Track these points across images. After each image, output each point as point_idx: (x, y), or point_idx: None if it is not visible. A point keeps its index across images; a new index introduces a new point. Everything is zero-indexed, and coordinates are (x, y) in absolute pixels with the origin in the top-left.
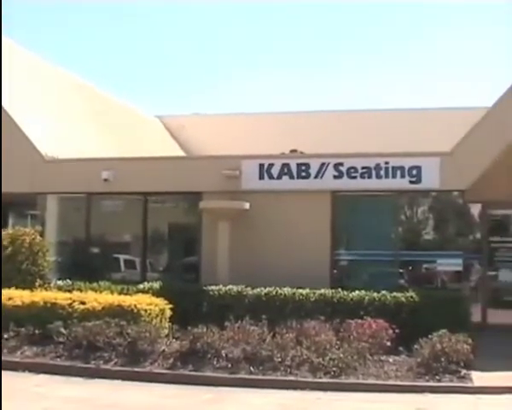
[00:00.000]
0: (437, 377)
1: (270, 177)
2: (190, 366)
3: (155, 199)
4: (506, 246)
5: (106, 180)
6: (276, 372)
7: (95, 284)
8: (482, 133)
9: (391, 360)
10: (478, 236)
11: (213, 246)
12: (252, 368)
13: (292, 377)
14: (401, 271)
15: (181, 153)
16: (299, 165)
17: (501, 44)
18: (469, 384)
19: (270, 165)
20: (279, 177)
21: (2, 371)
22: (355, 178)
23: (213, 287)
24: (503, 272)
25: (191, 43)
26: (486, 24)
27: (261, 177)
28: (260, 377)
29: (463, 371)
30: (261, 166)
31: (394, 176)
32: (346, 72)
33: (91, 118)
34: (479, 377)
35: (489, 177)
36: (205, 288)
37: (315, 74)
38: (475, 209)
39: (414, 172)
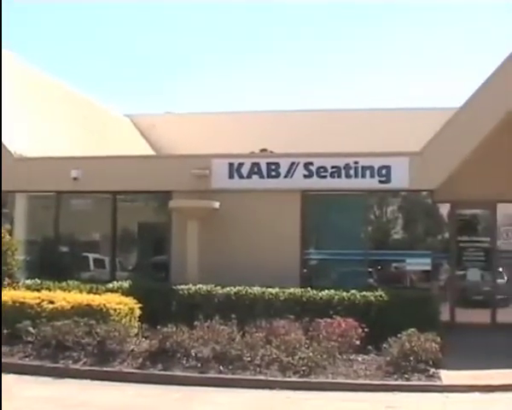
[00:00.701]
0: (406, 376)
1: (240, 176)
2: (160, 366)
3: (125, 198)
4: (474, 246)
5: (75, 179)
6: (246, 372)
7: (64, 283)
8: (451, 134)
9: (360, 358)
10: (446, 235)
11: (183, 245)
12: (221, 367)
13: (261, 377)
14: (370, 270)
15: (151, 152)
16: (268, 164)
17: (471, 45)
18: (438, 383)
19: (239, 164)
20: (249, 176)
21: None
22: (325, 177)
23: (183, 286)
24: (471, 271)
25: (163, 41)
26: (459, 25)
27: (231, 176)
28: (230, 376)
29: (432, 370)
30: (231, 165)
31: (364, 176)
32: (317, 71)
33: (61, 116)
34: (447, 376)
35: (457, 177)
36: (174, 287)
37: (287, 74)
38: (444, 209)
39: (383, 171)
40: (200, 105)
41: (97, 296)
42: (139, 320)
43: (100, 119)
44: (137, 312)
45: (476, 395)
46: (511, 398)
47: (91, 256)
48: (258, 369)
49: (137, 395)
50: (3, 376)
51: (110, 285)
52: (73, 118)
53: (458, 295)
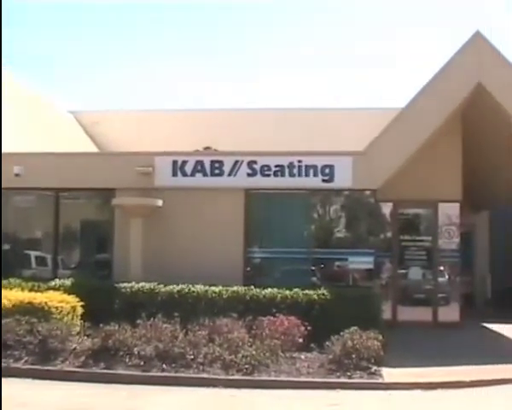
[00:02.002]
0: (348, 374)
1: (184, 174)
2: (102, 364)
3: (67, 195)
4: (416, 245)
5: (17, 175)
6: (189, 370)
7: (5, 281)
8: (394, 134)
9: (303, 356)
10: (389, 234)
11: (126, 243)
12: (164, 366)
13: (204, 375)
14: (313, 268)
15: (95, 149)
16: (212, 162)
17: (417, 46)
18: (380, 380)
19: (183, 162)
20: (192, 174)
21: None
22: (268, 176)
23: (126, 284)
24: (413, 270)
25: (109, 37)
26: (407, 25)
27: (174, 174)
28: (173, 374)
29: (374, 368)
30: (174, 162)
31: (307, 174)
32: (263, 70)
33: (5, 111)
34: (389, 374)
35: (400, 177)
36: (117, 285)
37: (233, 72)
38: (387, 208)
39: (327, 170)
40: (145, 103)
41: (39, 294)
42: (81, 319)
43: (44, 115)
44: (80, 310)
45: (418, 392)
46: (452, 395)
47: (33, 254)
48: (201, 367)
49: (79, 394)
50: None
51: (52, 283)
52: (17, 113)
53: (400, 294)
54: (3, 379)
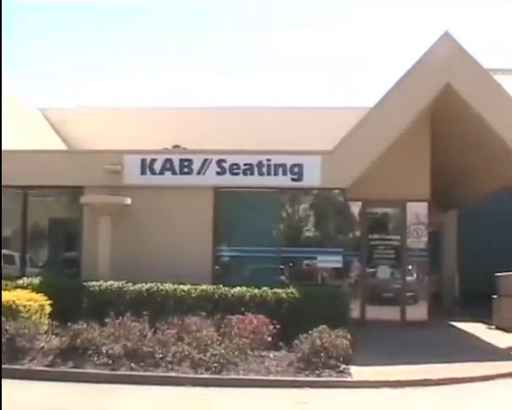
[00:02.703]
0: (317, 372)
1: (153, 172)
2: (70, 363)
3: (36, 193)
4: (384, 244)
5: None
6: (158, 369)
7: None
8: (363, 133)
9: (271, 355)
10: (357, 233)
11: (94, 241)
12: (133, 364)
13: (173, 374)
14: (282, 267)
15: (63, 147)
16: (181, 160)
17: (386, 46)
18: (348, 379)
19: (152, 160)
20: (161, 172)
21: None
22: (237, 174)
23: (94, 283)
24: (382, 269)
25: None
26: (373, 25)
27: (143, 172)
28: (141, 373)
29: (343, 366)
30: (143, 161)
31: (276, 173)
32: (232, 68)
33: None
34: (357, 372)
35: (369, 176)
36: (85, 284)
37: (202, 70)
38: (355, 207)
39: (296, 169)
40: (114, 100)
41: (7, 293)
42: (49, 317)
43: (11, 111)
44: (48, 309)
45: (386, 390)
46: (419, 393)
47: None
48: (169, 366)
49: (47, 393)
50: None
51: (20, 282)
52: None
53: (369, 293)
54: None
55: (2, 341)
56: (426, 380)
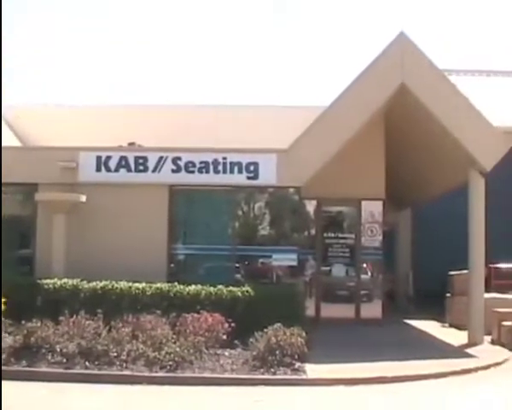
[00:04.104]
0: (272, 370)
1: (108, 169)
2: (24, 362)
3: None
4: (339, 242)
5: None
6: (112, 367)
7: None
8: (318, 132)
9: (227, 353)
10: (312, 232)
11: (49, 239)
12: (87, 363)
13: (128, 372)
14: (238, 265)
15: (17, 144)
16: (136, 158)
17: (338, 45)
18: (303, 377)
19: (107, 157)
20: (116, 170)
21: None
22: (193, 172)
23: (48, 280)
24: (336, 267)
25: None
26: (331, 24)
27: (98, 169)
28: (96, 371)
29: (298, 364)
30: (98, 158)
31: (232, 171)
32: (188, 66)
33: None
34: (313, 370)
35: (324, 174)
36: (39, 281)
37: (159, 68)
38: (310, 206)
39: (251, 168)
40: (70, 97)
41: None
42: (3, 316)
43: None
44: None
45: (341, 387)
46: (374, 390)
47: None
48: (124, 364)
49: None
50: None
51: None
52: None
53: (323, 291)
54: None
55: None
56: (381, 378)
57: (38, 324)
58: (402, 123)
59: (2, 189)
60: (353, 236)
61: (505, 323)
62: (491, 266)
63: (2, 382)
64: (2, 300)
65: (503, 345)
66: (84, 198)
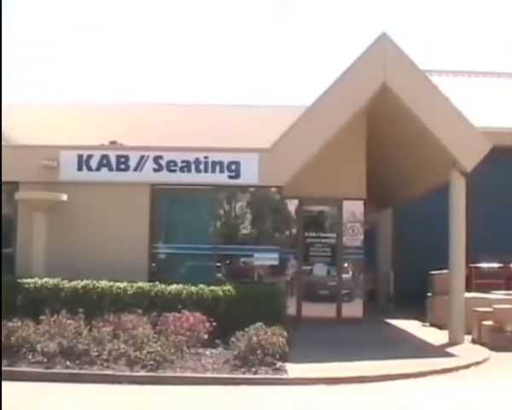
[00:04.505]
0: (253, 370)
1: (89, 168)
2: (5, 362)
3: None
4: (321, 241)
5: None
6: (93, 366)
7: None
8: (300, 131)
9: (208, 352)
10: (294, 231)
11: (29, 238)
12: (68, 362)
13: (109, 371)
14: (219, 264)
15: None
16: (118, 157)
17: (320, 45)
18: (285, 376)
19: (88, 156)
20: (98, 168)
21: None
22: (174, 171)
23: (29, 280)
24: (318, 266)
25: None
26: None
27: (79, 168)
28: (77, 371)
29: (279, 364)
30: (80, 157)
31: (213, 170)
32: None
33: None
34: (294, 369)
35: (306, 174)
36: (20, 281)
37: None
38: (292, 205)
39: (233, 167)
40: (51, 95)
41: None
42: None
43: None
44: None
45: (322, 387)
46: (355, 390)
47: None
48: (105, 364)
49: None
50: None
51: None
52: None
53: (305, 290)
54: None
55: None
56: (362, 377)
57: (19, 323)
58: (383, 123)
59: None
60: (335, 235)
61: (485, 322)
62: (471, 265)
63: None
64: None
65: (483, 344)
66: (65, 197)
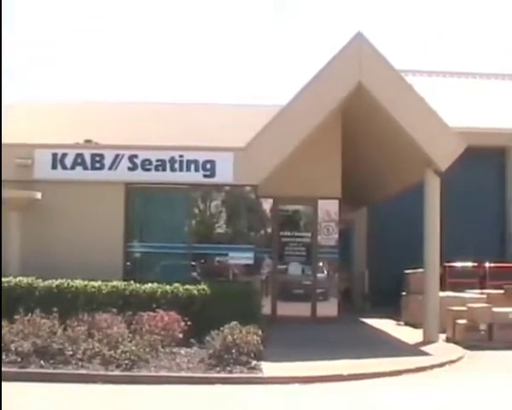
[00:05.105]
0: (228, 369)
1: (64, 167)
2: None
3: None
4: (295, 241)
5: None
6: (68, 366)
7: None
8: (274, 131)
9: (183, 352)
10: (269, 230)
11: (3, 236)
12: (42, 362)
13: (83, 371)
14: (194, 264)
15: None
16: (93, 156)
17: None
18: (260, 375)
19: (63, 155)
20: (72, 167)
21: None
22: (149, 170)
23: (3, 279)
24: (293, 265)
25: None
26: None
27: (54, 167)
28: (51, 370)
29: (254, 363)
30: (54, 155)
31: (189, 169)
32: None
33: None
34: (269, 368)
35: (280, 173)
36: None
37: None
38: (267, 204)
39: (208, 166)
40: (26, 94)
41: None
42: None
43: None
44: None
45: (296, 386)
46: (330, 388)
47: None
48: (80, 363)
49: None
50: None
51: None
52: None
53: (280, 289)
54: None
55: None
56: (337, 376)
57: None
58: (359, 123)
59: None
60: (310, 234)
61: (460, 321)
62: (446, 264)
63: None
64: None
65: (457, 343)
66: (39, 195)
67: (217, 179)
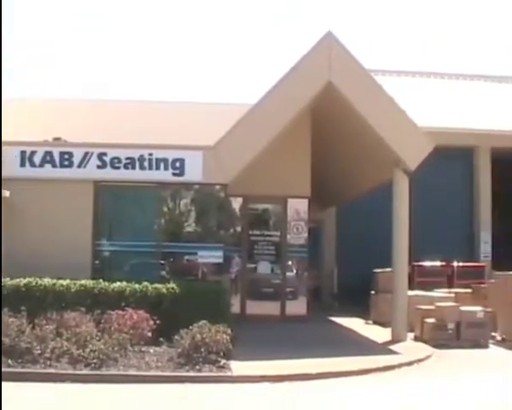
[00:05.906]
0: (197, 367)
1: (32, 164)
2: None
3: None
4: (265, 239)
5: None
6: (36, 365)
7: None
8: (244, 130)
9: (152, 350)
10: (238, 229)
11: None
12: (10, 361)
13: (52, 370)
14: (163, 262)
15: None
16: (62, 153)
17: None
18: (229, 374)
19: (32, 152)
20: (41, 165)
21: None
22: (118, 168)
23: None
24: (262, 264)
25: None
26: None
27: (22, 164)
28: (19, 370)
29: (223, 361)
30: (23, 153)
31: (158, 168)
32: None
33: None
34: (238, 367)
35: (250, 172)
36: None
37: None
38: (236, 203)
39: (177, 164)
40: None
41: None
42: None
43: None
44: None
45: (266, 384)
46: (299, 387)
47: None
48: (48, 362)
49: None
50: None
51: None
52: None
53: (249, 288)
54: None
55: None
56: (306, 374)
57: None
58: (329, 122)
59: None
60: (279, 233)
61: (428, 320)
62: (414, 263)
63: None
64: None
65: (425, 342)
66: (7, 193)
67: (186, 178)
